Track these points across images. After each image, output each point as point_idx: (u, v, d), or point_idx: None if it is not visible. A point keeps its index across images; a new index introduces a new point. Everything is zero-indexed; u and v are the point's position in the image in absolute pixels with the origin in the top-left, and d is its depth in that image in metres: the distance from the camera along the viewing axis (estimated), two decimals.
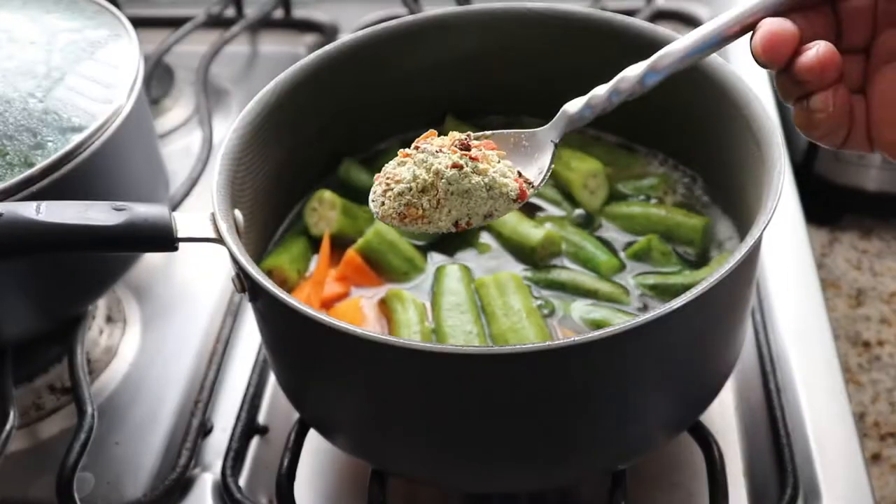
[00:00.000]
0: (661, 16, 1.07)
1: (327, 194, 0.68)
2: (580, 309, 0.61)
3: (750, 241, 0.51)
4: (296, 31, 1.11)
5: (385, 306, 0.63)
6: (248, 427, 0.69)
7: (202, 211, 0.56)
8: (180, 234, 0.55)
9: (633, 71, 0.48)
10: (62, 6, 0.75)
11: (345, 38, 0.68)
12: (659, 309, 0.48)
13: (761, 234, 0.52)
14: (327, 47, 0.67)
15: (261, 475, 0.68)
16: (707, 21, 1.04)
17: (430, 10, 0.69)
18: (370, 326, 0.62)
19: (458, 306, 0.60)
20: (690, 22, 1.07)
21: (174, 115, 1.01)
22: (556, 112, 0.52)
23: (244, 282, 0.55)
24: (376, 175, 0.52)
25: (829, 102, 0.42)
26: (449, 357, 0.49)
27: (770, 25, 0.43)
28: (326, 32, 1.08)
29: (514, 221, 0.65)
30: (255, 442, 0.70)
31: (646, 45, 0.65)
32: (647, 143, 0.71)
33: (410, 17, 0.69)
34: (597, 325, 0.60)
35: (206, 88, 1.00)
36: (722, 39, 0.46)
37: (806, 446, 0.65)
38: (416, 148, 0.51)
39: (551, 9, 0.68)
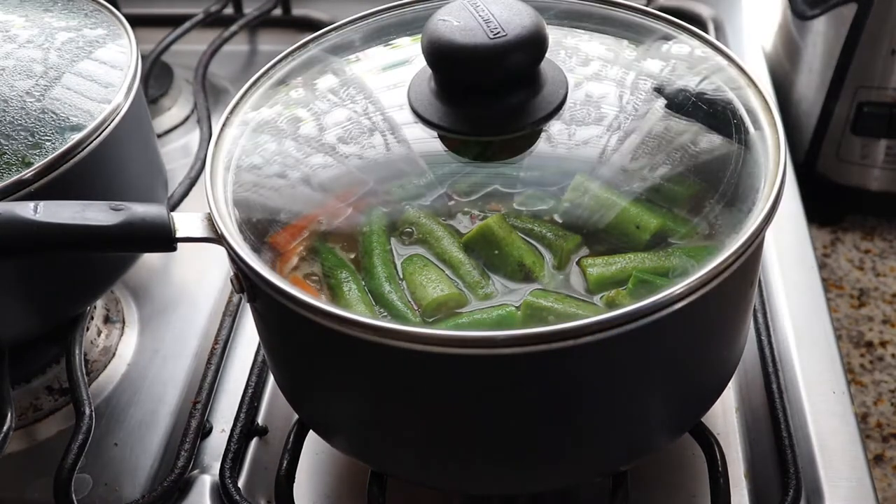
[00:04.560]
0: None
1: None
2: None
3: (749, 230, 0.50)
4: (295, 29, 1.11)
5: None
6: (248, 428, 0.69)
7: (201, 210, 0.56)
8: (179, 234, 0.55)
9: None
10: (60, 5, 0.75)
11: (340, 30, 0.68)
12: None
13: (763, 232, 0.51)
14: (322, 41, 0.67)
15: (260, 476, 0.68)
16: (708, 19, 1.03)
17: (429, 3, 0.68)
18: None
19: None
20: (692, 20, 1.06)
21: (173, 114, 1.01)
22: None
23: (243, 282, 0.55)
24: None
25: None
26: (449, 358, 0.49)
27: None
28: None
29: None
30: (254, 443, 0.69)
31: (650, 40, 0.65)
32: None
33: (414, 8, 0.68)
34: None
35: (204, 87, 1.00)
36: None
37: (808, 447, 0.65)
38: None
39: (552, 5, 0.67)
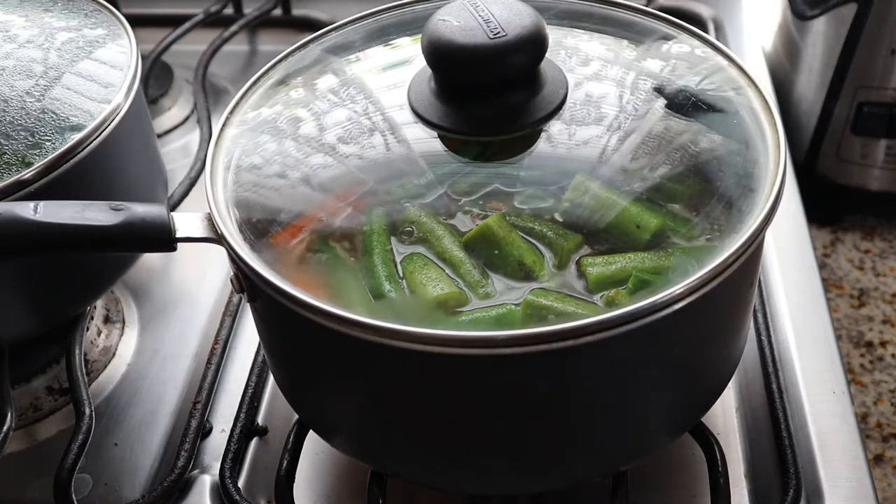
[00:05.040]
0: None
1: None
2: None
3: (749, 230, 0.50)
4: (295, 29, 1.11)
5: None
6: (247, 428, 0.69)
7: (201, 210, 0.56)
8: (179, 234, 0.55)
9: None
10: (60, 5, 0.75)
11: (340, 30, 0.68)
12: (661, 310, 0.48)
13: (763, 232, 0.51)
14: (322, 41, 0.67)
15: (260, 476, 0.68)
16: (708, 19, 1.03)
17: (429, 3, 0.69)
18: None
19: None
20: (692, 20, 1.06)
21: (173, 114, 1.01)
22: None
23: (243, 282, 0.55)
24: None
25: None
26: (449, 358, 0.49)
27: None
28: None
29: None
30: (254, 443, 0.69)
31: (651, 40, 0.65)
32: None
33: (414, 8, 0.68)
34: None
35: (204, 87, 1.00)
36: None
37: (808, 447, 0.65)
38: None
39: (552, 5, 0.67)
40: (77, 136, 0.63)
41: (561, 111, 0.58)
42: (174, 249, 0.56)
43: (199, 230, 0.55)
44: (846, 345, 0.82)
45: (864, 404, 0.78)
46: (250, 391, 0.71)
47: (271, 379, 0.73)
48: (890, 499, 0.72)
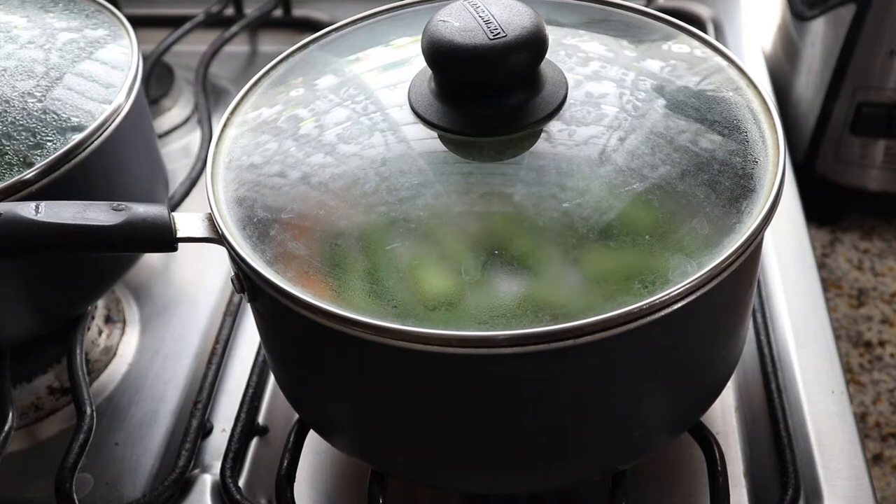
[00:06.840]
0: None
1: None
2: None
3: (748, 230, 0.51)
4: (295, 30, 1.12)
5: None
6: (248, 427, 0.69)
7: (202, 211, 0.56)
8: (179, 234, 0.55)
9: None
10: (61, 5, 0.75)
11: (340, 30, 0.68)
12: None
13: (762, 232, 0.52)
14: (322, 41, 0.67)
15: (260, 476, 0.68)
16: (707, 20, 1.04)
17: (430, 4, 0.69)
18: None
19: None
20: (691, 20, 1.06)
21: (174, 114, 1.01)
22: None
23: (243, 282, 0.55)
24: None
25: None
26: (449, 357, 0.49)
27: None
28: None
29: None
30: (254, 442, 0.69)
31: (650, 40, 0.65)
32: None
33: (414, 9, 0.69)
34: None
35: (205, 88, 1.00)
36: None
37: (807, 447, 0.65)
38: None
39: (555, 3, 0.67)
40: (78, 137, 0.63)
41: (561, 111, 0.58)
42: (175, 249, 0.56)
43: (200, 230, 0.55)
44: (845, 344, 0.82)
45: (862, 404, 0.78)
46: (251, 391, 0.71)
47: (272, 379, 0.73)
48: (889, 498, 0.72)
